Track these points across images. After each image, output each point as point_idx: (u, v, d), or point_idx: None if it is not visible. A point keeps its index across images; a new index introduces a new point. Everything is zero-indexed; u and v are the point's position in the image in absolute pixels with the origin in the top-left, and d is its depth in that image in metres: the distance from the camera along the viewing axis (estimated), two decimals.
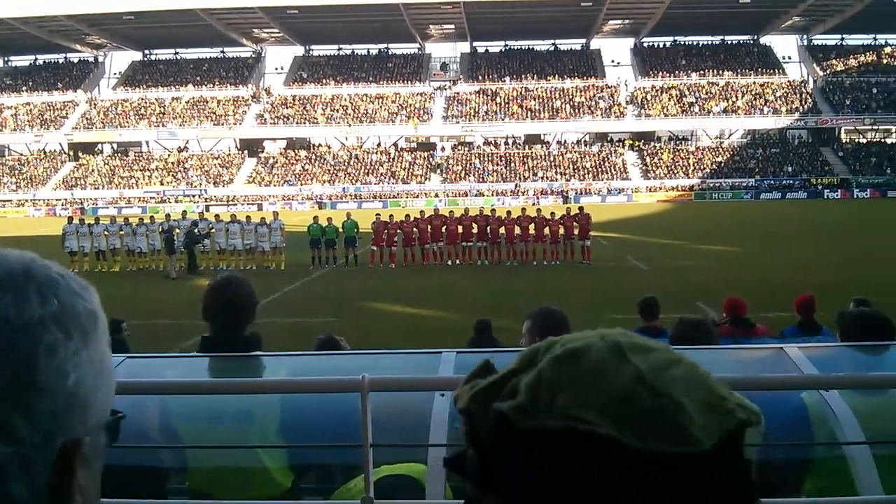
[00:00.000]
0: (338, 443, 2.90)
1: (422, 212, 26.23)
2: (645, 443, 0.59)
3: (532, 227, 24.93)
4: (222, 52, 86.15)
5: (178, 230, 25.03)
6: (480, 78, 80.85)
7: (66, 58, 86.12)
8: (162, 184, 70.90)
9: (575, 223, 24.75)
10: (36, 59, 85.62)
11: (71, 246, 25.37)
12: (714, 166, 70.39)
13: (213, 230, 25.79)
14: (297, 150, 75.95)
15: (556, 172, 70.52)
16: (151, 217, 26.94)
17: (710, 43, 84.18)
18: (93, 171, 73.54)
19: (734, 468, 0.63)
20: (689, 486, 0.61)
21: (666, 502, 0.60)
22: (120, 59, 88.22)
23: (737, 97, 75.29)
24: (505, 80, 79.77)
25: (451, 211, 25.89)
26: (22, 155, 77.33)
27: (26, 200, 69.15)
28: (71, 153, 75.99)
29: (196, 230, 24.97)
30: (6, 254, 0.78)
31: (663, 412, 0.60)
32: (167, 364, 3.44)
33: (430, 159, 73.81)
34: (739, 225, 37.36)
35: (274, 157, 75.15)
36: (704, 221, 40.51)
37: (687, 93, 76.40)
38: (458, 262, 25.00)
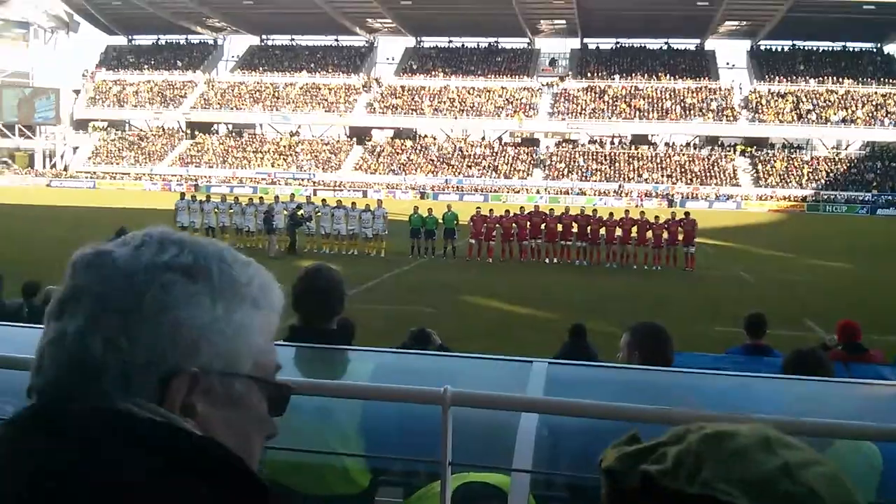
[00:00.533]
0: (418, 451, 2.87)
1: (522, 208, 26.11)
2: None
3: (634, 229, 24.49)
4: (336, 40, 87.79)
5: (285, 212, 25.68)
6: (589, 75, 79.82)
7: (187, 39, 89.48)
8: (273, 166, 72.89)
9: (680, 228, 24.18)
10: (158, 39, 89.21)
11: (182, 221, 26.38)
12: (829, 177, 67.52)
13: (319, 213, 26.32)
14: (403, 140, 76.79)
15: (662, 175, 69.04)
16: (261, 198, 27.65)
17: (830, 49, 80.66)
18: (208, 149, 76.21)
19: None
20: None
21: None
22: (238, 43, 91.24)
23: (856, 107, 71.95)
24: (614, 78, 78.53)
25: (551, 209, 25.71)
26: (141, 130, 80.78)
27: (144, 174, 72.23)
28: (188, 131, 78.96)
29: (299, 213, 25.57)
30: (195, 238, 0.96)
31: (801, 499, 0.67)
32: None
33: (534, 155, 73.39)
34: (853, 240, 35.73)
35: (381, 146, 76.20)
36: (816, 234, 38.94)
37: (804, 99, 73.47)
38: (555, 260, 24.80)
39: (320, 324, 3.43)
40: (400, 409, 3.18)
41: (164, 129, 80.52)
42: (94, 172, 72.78)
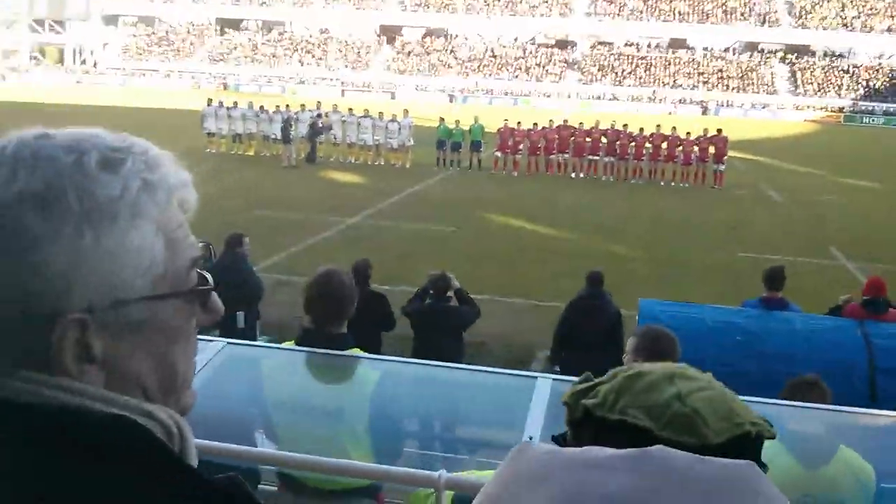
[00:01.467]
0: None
1: (551, 120, 25.73)
2: (668, 434, 0.86)
3: (664, 145, 24.11)
4: None
5: (309, 121, 25.53)
6: None
7: None
8: (301, 65, 71.93)
9: (711, 145, 23.76)
10: None
11: (209, 127, 26.35)
12: (868, 88, 65.44)
13: (345, 121, 26.10)
14: (433, 39, 75.22)
15: (698, 80, 67.32)
16: (287, 105, 27.43)
17: None
18: (237, 47, 75.27)
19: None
20: None
21: None
22: None
23: None
24: None
25: (580, 122, 25.28)
26: (171, 26, 79.75)
27: (173, 71, 71.73)
28: (217, 28, 77.87)
29: (320, 122, 25.37)
30: (54, 144, 0.82)
31: (687, 416, 0.88)
32: (265, 355, 3.57)
33: (568, 57, 71.69)
34: (889, 157, 34.92)
35: (411, 45, 74.77)
36: (851, 149, 38.03)
37: (849, 5, 70.61)
38: (582, 175, 24.58)
39: (331, 328, 3.52)
40: (407, 407, 3.27)
41: (193, 25, 79.43)
42: (124, 69, 72.32)
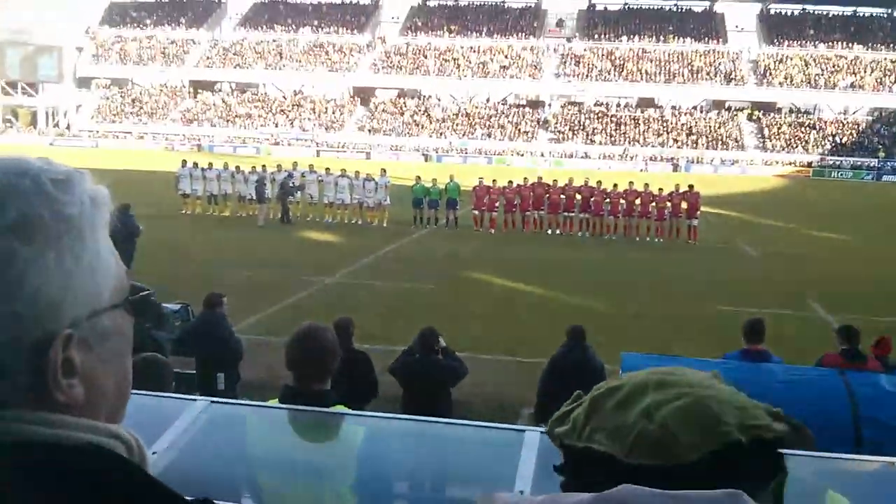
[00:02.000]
0: None
1: (525, 178, 25.99)
2: (636, 459, 0.79)
3: (638, 201, 24.39)
4: None
5: (274, 180, 25.58)
6: (596, 36, 78.88)
7: None
8: (276, 126, 72.39)
9: (683, 201, 24.08)
10: None
11: (184, 188, 26.32)
12: (835, 143, 66.96)
13: (321, 181, 26.17)
14: (406, 100, 76.16)
15: (667, 138, 68.54)
16: (263, 166, 27.52)
17: (840, 14, 79.48)
18: (211, 107, 75.71)
19: (734, 472, 0.79)
20: (682, 485, 0.76)
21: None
22: (241, 1, 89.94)
23: (865, 72, 71.18)
24: (622, 40, 77.62)
25: (555, 179, 25.55)
26: (144, 88, 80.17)
27: (146, 133, 71.88)
28: (191, 90, 78.37)
29: (291, 182, 25.42)
30: (6, 175, 0.82)
31: (653, 435, 0.79)
32: (249, 413, 3.51)
33: (539, 117, 72.78)
34: (859, 210, 35.57)
35: (384, 105, 75.60)
36: (822, 203, 38.74)
37: (812, 64, 72.66)
38: (558, 231, 24.75)
39: (314, 385, 3.47)
40: (394, 466, 3.21)
41: (166, 87, 79.93)
42: (97, 131, 72.40)
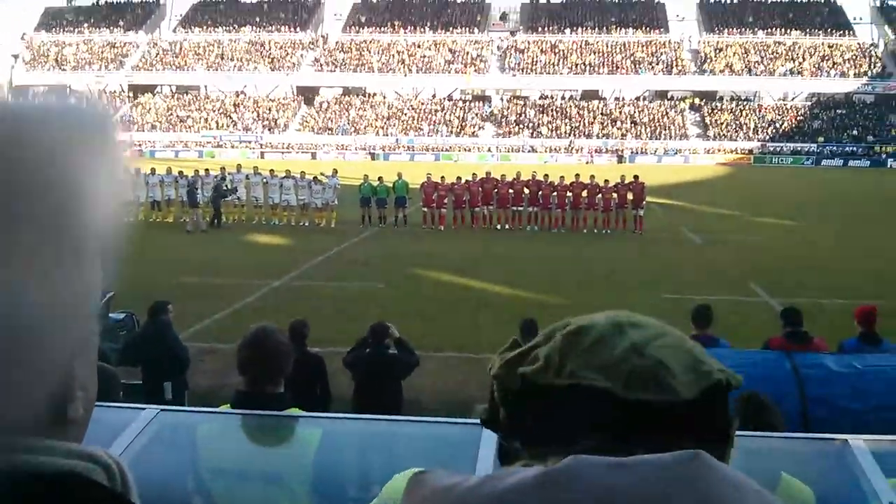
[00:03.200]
0: None
1: (474, 174, 26.02)
2: (634, 393, 0.76)
3: (585, 193, 24.59)
4: None
5: (208, 184, 25.23)
6: (540, 29, 79.40)
7: None
8: (218, 127, 71.38)
9: (629, 191, 24.33)
10: None
11: None
12: (775, 130, 68.42)
13: (267, 182, 25.88)
14: (351, 98, 75.68)
15: (612, 128, 69.30)
16: (207, 169, 27.09)
17: (779, 1, 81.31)
18: (150, 110, 74.30)
19: (712, 418, 0.79)
20: (671, 427, 0.76)
21: (651, 440, 0.74)
22: (181, 1, 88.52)
23: (803, 58, 72.87)
24: (565, 32, 78.25)
25: (503, 174, 25.62)
26: (82, 94, 78.18)
27: None
28: (130, 94, 76.84)
29: (224, 185, 25.07)
30: None
31: (650, 370, 0.77)
32: (200, 419, 3.43)
33: (484, 110, 73.01)
34: (799, 195, 36.40)
35: (328, 103, 75.03)
36: (763, 189, 39.53)
37: (752, 51, 74.13)
38: (507, 226, 24.83)
39: (267, 388, 3.40)
40: (348, 472, 3.16)
41: (105, 93, 78.19)
42: None
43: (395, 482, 2.51)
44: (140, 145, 66.78)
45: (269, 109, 74.26)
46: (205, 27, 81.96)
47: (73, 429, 0.76)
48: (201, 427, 3.37)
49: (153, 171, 26.23)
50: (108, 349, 8.26)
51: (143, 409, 3.27)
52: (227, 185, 25.07)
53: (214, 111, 74.13)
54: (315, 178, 25.37)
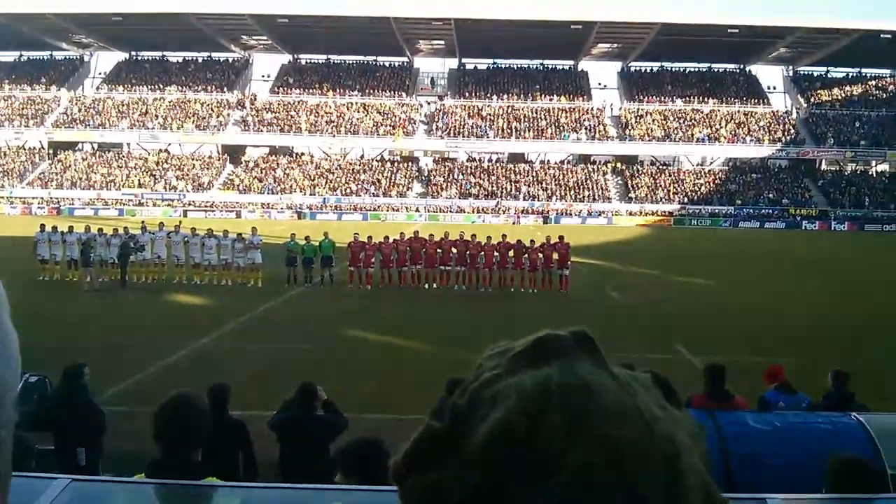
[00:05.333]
0: None
1: (401, 233, 26.07)
2: None
3: (511, 253, 24.84)
4: (209, 55, 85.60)
5: (109, 243, 24.81)
6: (467, 94, 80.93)
7: (51, 55, 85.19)
8: (140, 186, 69.97)
9: (554, 252, 24.67)
10: (21, 55, 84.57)
11: (42, 254, 25.00)
12: (694, 192, 70.72)
13: (188, 241, 25.43)
14: (278, 157, 75.33)
15: (539, 189, 70.55)
16: (126, 228, 26.48)
17: (696, 70, 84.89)
18: (70, 167, 72.53)
19: None
20: None
21: None
22: (106, 59, 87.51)
23: (720, 125, 75.91)
24: (492, 98, 79.89)
25: (430, 234, 25.74)
26: (0, 150, 76.10)
27: (2, 197, 68.12)
28: (50, 151, 74.95)
29: (132, 243, 24.58)
30: None
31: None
32: (114, 489, 3.26)
33: (413, 171, 73.55)
34: (717, 255, 37.50)
35: (254, 161, 74.51)
36: (683, 250, 40.59)
37: (671, 118, 76.89)
38: (435, 285, 24.83)
39: (183, 456, 3.27)
40: None
41: (24, 149, 76.18)
42: None
43: None
44: (59, 203, 65.07)
45: (194, 166, 73.39)
46: (129, 85, 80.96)
47: None
48: (115, 498, 3.22)
49: (70, 229, 25.55)
50: (21, 413, 7.87)
51: (55, 478, 3.10)
52: (133, 244, 24.53)
53: (137, 169, 72.84)
54: (239, 235, 25.05)
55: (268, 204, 67.12)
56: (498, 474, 0.64)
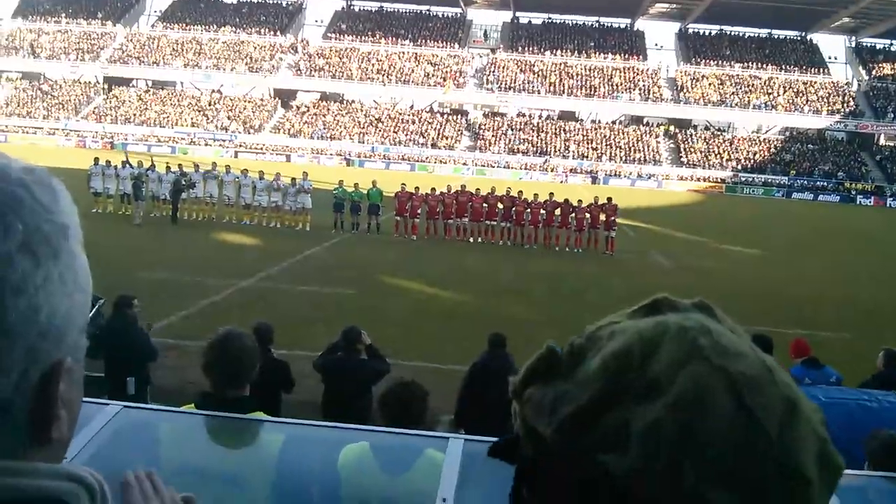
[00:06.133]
0: None
1: (448, 186, 26.01)
2: None
3: (558, 211, 24.67)
4: None
5: (160, 179, 25.18)
6: (520, 49, 79.84)
7: None
8: (193, 125, 70.75)
9: (602, 213, 24.45)
10: None
11: (96, 187, 25.41)
12: (748, 160, 69.32)
13: (239, 182, 25.66)
14: (329, 103, 75.45)
15: (588, 148, 69.76)
16: (180, 165, 26.76)
17: (756, 35, 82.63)
18: (124, 102, 73.49)
19: None
20: None
21: None
22: None
23: (778, 93, 73.98)
24: (545, 54, 78.73)
25: (477, 188, 25.64)
26: (55, 82, 77.27)
27: (57, 129, 69.34)
28: (105, 86, 75.92)
29: (183, 180, 24.85)
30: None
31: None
32: (163, 419, 3.34)
33: (463, 123, 73.12)
34: (768, 225, 36.83)
35: (305, 107, 74.73)
36: (733, 218, 39.95)
37: (728, 83, 75.13)
38: (479, 239, 24.82)
39: (231, 392, 3.36)
40: (310, 478, 3.07)
41: (79, 82, 77.23)
42: (6, 126, 69.34)
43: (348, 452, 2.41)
44: (112, 138, 66.02)
45: (245, 109, 73.83)
46: (184, 24, 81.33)
47: (55, 448, 0.73)
48: (164, 426, 3.29)
49: (124, 164, 25.88)
50: None
51: (107, 404, 3.17)
52: (185, 182, 24.81)
53: (190, 108, 73.53)
54: (293, 179, 25.20)
55: (317, 149, 67.33)
56: (610, 393, 0.64)
